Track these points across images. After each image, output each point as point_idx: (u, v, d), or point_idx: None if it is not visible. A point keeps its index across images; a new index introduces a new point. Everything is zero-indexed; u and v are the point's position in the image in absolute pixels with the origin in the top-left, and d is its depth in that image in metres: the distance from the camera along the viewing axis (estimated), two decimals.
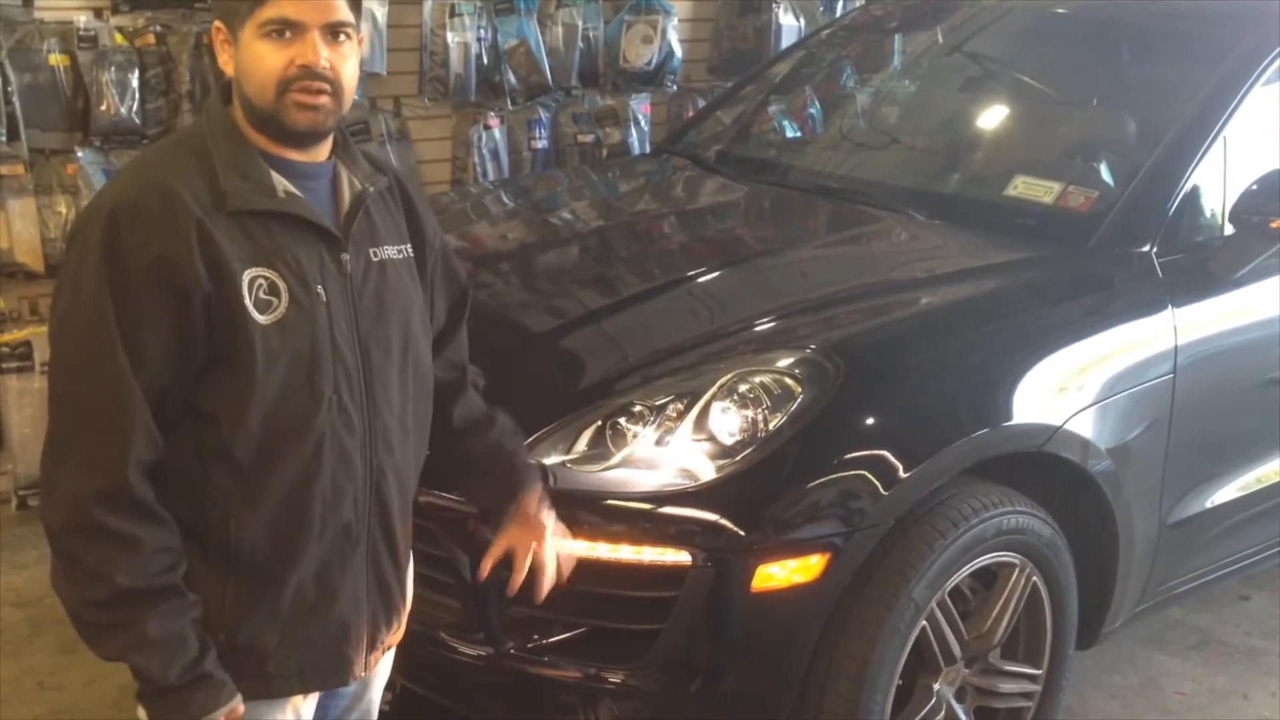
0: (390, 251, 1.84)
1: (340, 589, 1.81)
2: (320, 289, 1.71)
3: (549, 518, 2.11)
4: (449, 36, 4.46)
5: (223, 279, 1.63)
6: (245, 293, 1.65)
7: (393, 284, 1.82)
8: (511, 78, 4.60)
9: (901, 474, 2.38)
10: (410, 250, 1.89)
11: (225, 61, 1.73)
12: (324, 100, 1.70)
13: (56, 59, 3.81)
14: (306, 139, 1.73)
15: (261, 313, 1.66)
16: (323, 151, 1.78)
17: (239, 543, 1.71)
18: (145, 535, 1.64)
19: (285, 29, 1.67)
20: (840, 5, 5.34)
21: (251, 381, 1.66)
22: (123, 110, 3.84)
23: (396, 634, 1.98)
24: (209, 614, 1.71)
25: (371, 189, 1.82)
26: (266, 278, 1.67)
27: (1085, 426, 2.65)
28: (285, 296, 1.68)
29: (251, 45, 1.68)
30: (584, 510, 2.35)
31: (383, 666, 2.02)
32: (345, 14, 1.72)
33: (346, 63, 1.73)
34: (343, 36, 1.72)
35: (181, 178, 1.66)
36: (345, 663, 1.86)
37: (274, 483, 1.70)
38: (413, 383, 1.87)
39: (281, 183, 1.71)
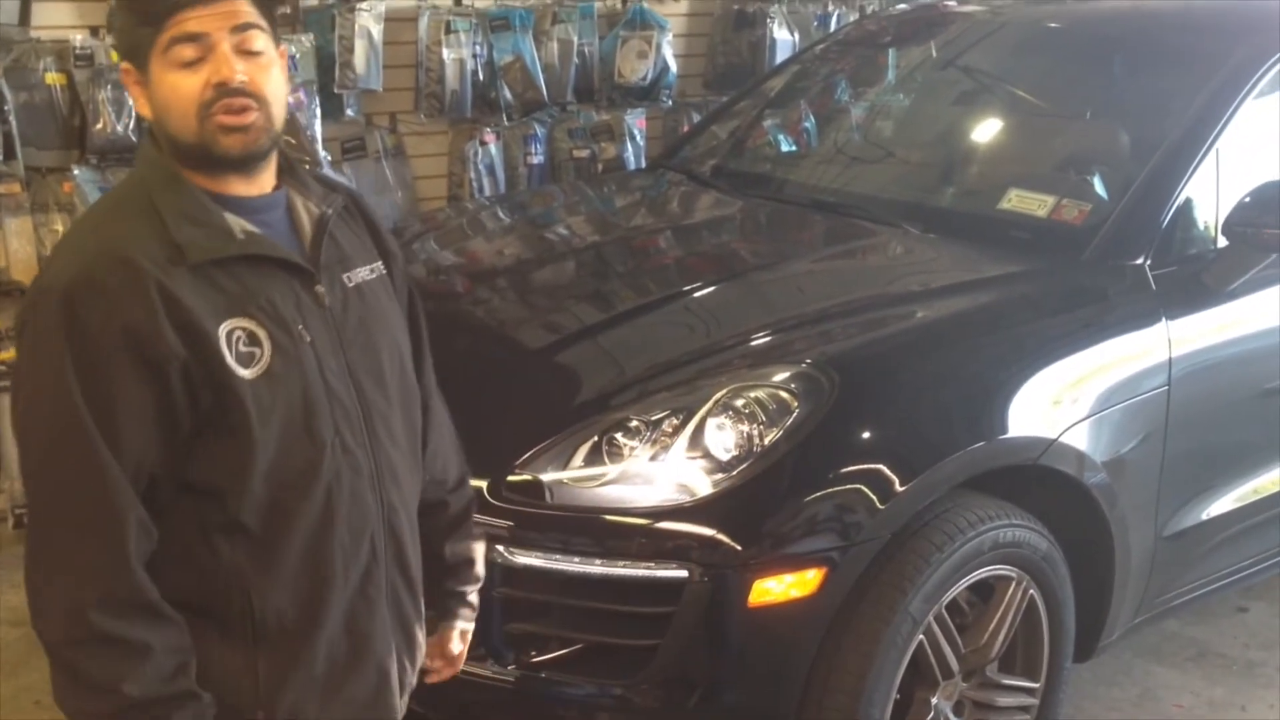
0: (363, 273, 1.72)
1: (373, 636, 1.70)
2: (302, 328, 1.59)
3: (464, 647, 2.00)
4: (445, 53, 4.47)
5: (197, 340, 1.50)
6: (225, 349, 1.52)
7: (374, 307, 1.72)
8: (507, 94, 4.61)
9: (898, 488, 2.38)
10: (382, 267, 1.77)
11: (141, 105, 1.59)
12: (252, 118, 1.55)
13: (53, 78, 3.81)
14: (243, 164, 1.59)
15: (246, 367, 1.53)
16: (269, 181, 1.65)
17: (263, 614, 1.59)
18: (153, 638, 1.51)
19: (191, 48, 1.53)
20: (834, 20, 5.36)
21: (249, 443, 1.53)
22: (119, 128, 3.84)
23: (415, 674, 1.87)
24: (242, 695, 1.60)
25: (330, 211, 1.69)
26: (244, 328, 1.54)
27: (1081, 439, 2.66)
28: (267, 344, 1.55)
29: (163, 79, 1.54)
30: (581, 526, 2.35)
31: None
32: (251, 15, 1.56)
33: (267, 74, 1.57)
34: (258, 45, 1.56)
35: (130, 240, 1.52)
36: (391, 711, 1.76)
37: (289, 543, 1.59)
38: (408, 408, 1.77)
39: (237, 222, 1.58)
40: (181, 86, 1.54)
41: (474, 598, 1.99)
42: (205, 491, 1.55)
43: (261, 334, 1.55)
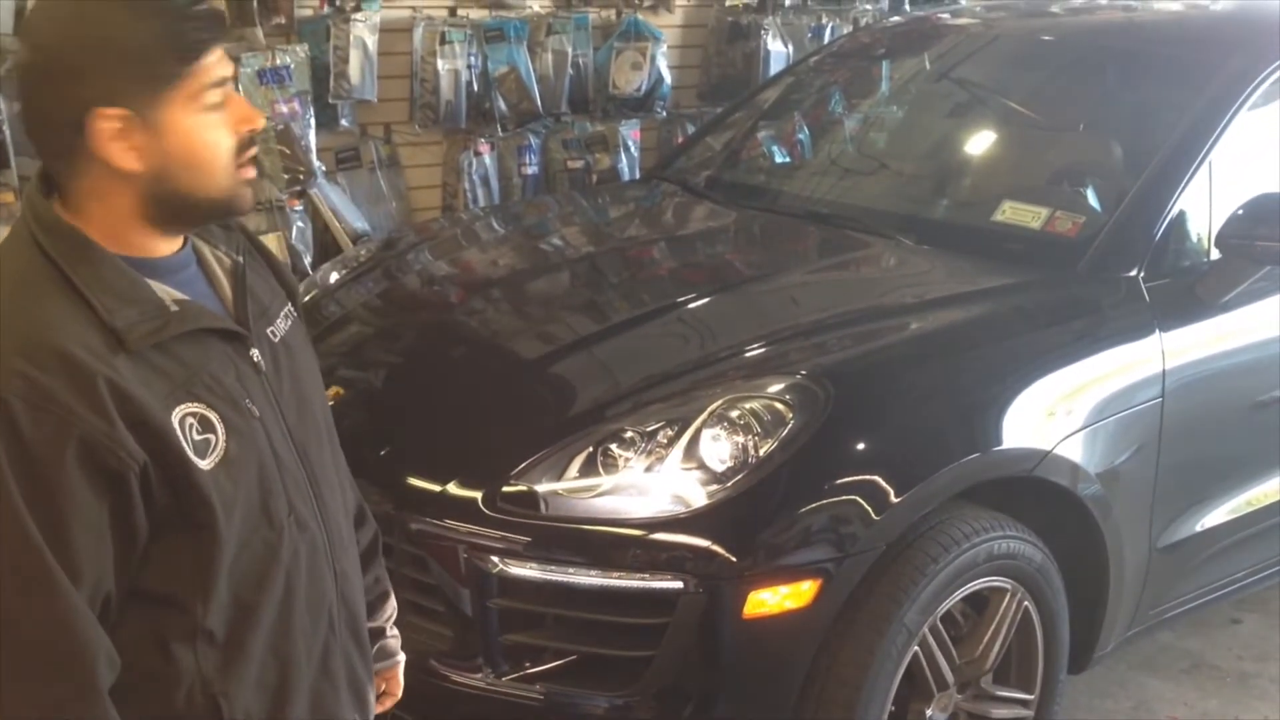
0: (281, 323, 1.55)
1: (338, 716, 1.59)
2: (249, 403, 1.42)
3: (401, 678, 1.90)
4: (439, 64, 4.48)
5: (154, 437, 1.31)
6: (182, 441, 1.33)
7: (299, 360, 1.56)
8: (502, 104, 4.62)
9: (892, 499, 2.38)
10: (292, 309, 1.60)
11: (129, 158, 1.33)
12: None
13: None
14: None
15: (203, 457, 1.35)
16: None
17: (234, 717, 1.43)
18: None
19: (220, 92, 1.37)
20: (828, 32, 5.38)
21: (214, 541, 1.37)
22: None
23: None
24: None
25: (241, 259, 1.51)
26: (194, 414, 1.36)
27: (1074, 451, 2.66)
28: (220, 428, 1.38)
29: (193, 127, 1.35)
30: (575, 537, 2.35)
31: None
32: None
33: None
34: None
35: (61, 329, 1.29)
36: None
37: (254, 639, 1.43)
38: (338, 458, 1.64)
39: (165, 292, 1.38)
40: (217, 133, 1.37)
41: (394, 628, 1.88)
42: (161, 599, 1.38)
43: (213, 417, 1.38)
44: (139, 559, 1.35)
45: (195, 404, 1.36)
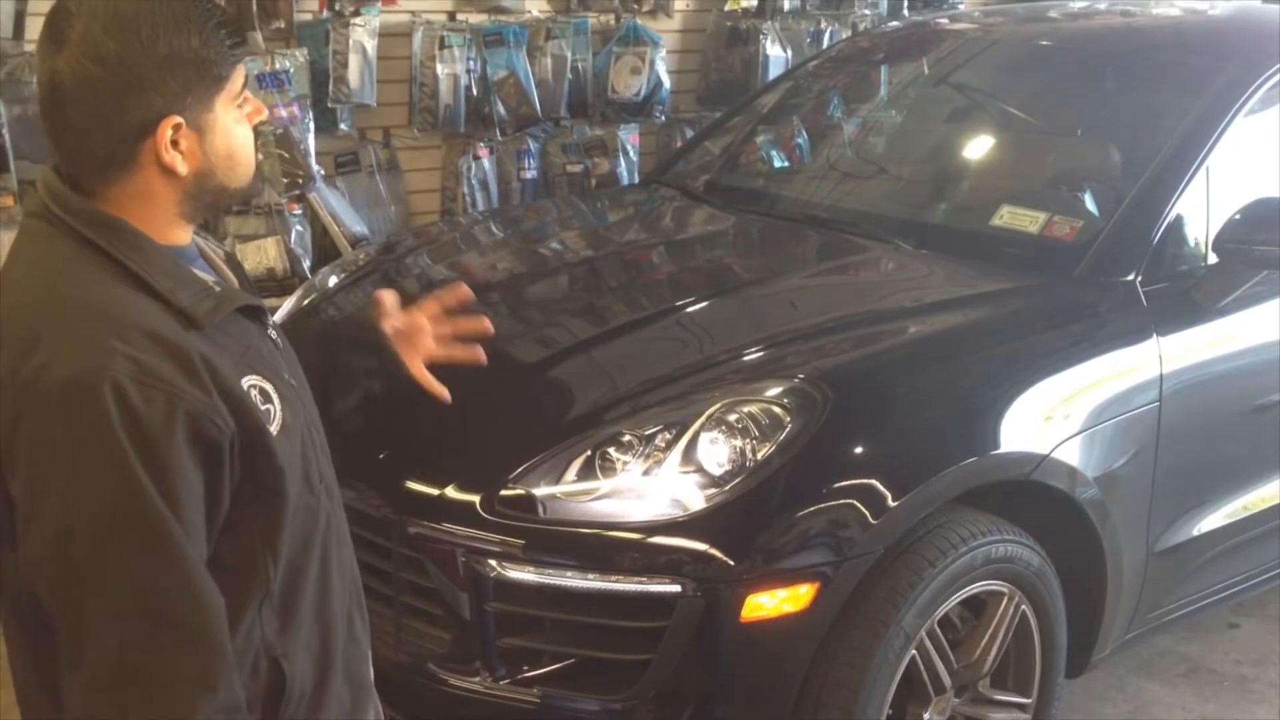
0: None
1: (366, 683, 1.65)
2: (287, 375, 1.53)
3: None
4: (438, 68, 4.49)
5: (238, 406, 1.40)
6: (256, 408, 1.42)
7: (289, 341, 1.65)
8: (501, 109, 4.62)
9: (890, 503, 2.39)
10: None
11: (178, 159, 1.42)
12: None
13: None
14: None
15: (269, 424, 1.44)
16: None
17: (292, 681, 1.49)
18: None
19: (247, 91, 1.49)
20: (827, 37, 5.38)
21: (284, 506, 1.45)
22: None
23: None
24: None
25: (223, 250, 1.61)
26: (254, 384, 1.44)
27: (1072, 454, 2.66)
28: (275, 397, 1.46)
29: (232, 126, 1.46)
30: (574, 541, 2.35)
31: None
32: None
33: None
34: None
35: (141, 311, 1.37)
36: None
37: (303, 601, 1.51)
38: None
39: (204, 275, 1.49)
40: (246, 130, 1.48)
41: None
42: (231, 568, 1.43)
43: (269, 387, 1.46)
44: (217, 531, 1.41)
45: (255, 376, 1.45)
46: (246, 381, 1.42)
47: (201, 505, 1.37)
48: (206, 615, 1.36)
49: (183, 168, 1.42)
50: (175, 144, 1.41)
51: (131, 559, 1.32)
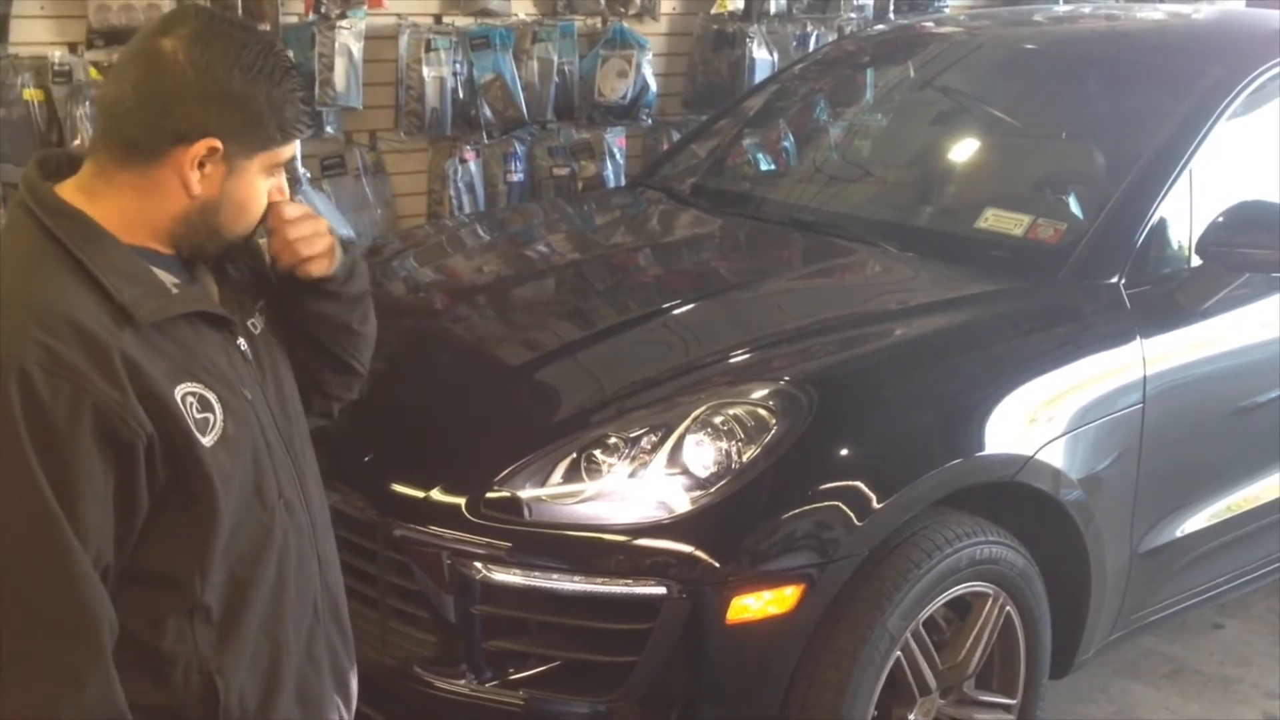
0: (259, 319, 1.64)
1: (323, 703, 1.64)
2: (242, 388, 1.52)
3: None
4: (425, 71, 4.48)
5: (161, 411, 1.39)
6: (186, 416, 1.41)
7: (275, 349, 1.65)
8: (487, 111, 4.61)
9: (875, 504, 2.39)
10: (263, 299, 1.68)
11: (196, 179, 1.46)
12: None
13: (31, 94, 3.80)
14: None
15: (204, 434, 1.42)
16: None
17: (229, 697, 1.48)
18: None
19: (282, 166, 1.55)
20: (813, 40, 5.39)
21: (213, 519, 1.44)
22: None
23: None
24: None
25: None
26: (194, 393, 1.43)
27: (1056, 456, 2.67)
28: (218, 407, 1.45)
29: (254, 183, 1.51)
30: (559, 543, 2.35)
31: None
32: None
33: None
34: None
35: (73, 303, 1.36)
36: None
37: (249, 618, 1.50)
38: (312, 445, 1.70)
39: (165, 277, 1.47)
40: (263, 198, 1.54)
41: None
42: (158, 577, 1.43)
43: (211, 397, 1.45)
44: (137, 536, 1.40)
45: (194, 383, 1.44)
46: (182, 388, 1.42)
47: (108, 505, 1.36)
48: (85, 616, 1.35)
49: (196, 189, 1.46)
50: (201, 165, 1.45)
51: (13, 548, 1.32)
